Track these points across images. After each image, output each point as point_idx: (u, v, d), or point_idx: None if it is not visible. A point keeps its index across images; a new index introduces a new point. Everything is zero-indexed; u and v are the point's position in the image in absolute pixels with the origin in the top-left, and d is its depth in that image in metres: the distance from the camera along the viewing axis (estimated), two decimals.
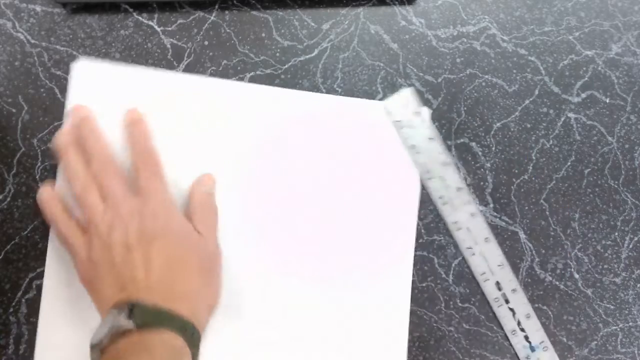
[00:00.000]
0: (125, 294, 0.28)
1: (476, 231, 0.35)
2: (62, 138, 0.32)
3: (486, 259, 0.35)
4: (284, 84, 0.36)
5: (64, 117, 0.34)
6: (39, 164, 0.34)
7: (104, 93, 0.34)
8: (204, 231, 0.32)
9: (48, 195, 0.33)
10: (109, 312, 0.28)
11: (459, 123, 0.37)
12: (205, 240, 0.32)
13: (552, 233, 0.37)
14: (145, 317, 0.27)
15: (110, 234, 0.30)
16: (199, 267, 0.31)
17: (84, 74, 0.34)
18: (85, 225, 0.31)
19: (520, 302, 0.35)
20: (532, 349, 0.35)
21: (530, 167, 0.38)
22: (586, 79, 0.38)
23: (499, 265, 0.35)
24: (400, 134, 0.36)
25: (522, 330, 0.35)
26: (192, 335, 0.28)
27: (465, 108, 0.37)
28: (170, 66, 0.36)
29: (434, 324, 0.36)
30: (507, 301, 0.35)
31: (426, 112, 0.36)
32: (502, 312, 0.35)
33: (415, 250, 0.36)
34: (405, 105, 0.36)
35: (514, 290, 0.35)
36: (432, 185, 0.35)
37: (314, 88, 0.36)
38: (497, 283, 0.35)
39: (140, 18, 0.36)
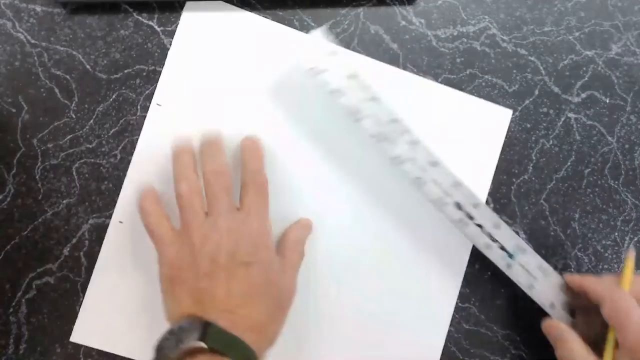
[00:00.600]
0: (201, 308, 0.28)
1: (421, 159, 0.32)
2: (181, 143, 0.33)
3: (438, 183, 0.33)
4: None
5: (164, 67, 0.35)
6: (39, 164, 0.34)
7: (207, 40, 0.36)
8: (288, 269, 0.32)
9: (148, 192, 0.33)
10: (179, 321, 0.28)
11: None
12: (286, 277, 0.32)
13: (552, 233, 0.37)
14: (220, 341, 0.27)
15: (204, 244, 0.30)
16: (274, 302, 0.31)
17: (190, 23, 0.35)
18: (178, 228, 0.31)
19: (486, 215, 0.33)
20: (511, 256, 0.33)
21: (530, 167, 0.38)
22: (586, 79, 0.38)
23: (454, 186, 0.33)
24: (318, 82, 0.32)
25: (495, 241, 0.33)
26: None
27: None
28: None
29: None
30: (471, 218, 0.33)
31: (318, 33, 0.32)
32: (471, 231, 0.33)
33: None
34: (316, 48, 0.32)
35: (475, 206, 0.33)
36: (364, 125, 0.32)
37: None
38: (457, 204, 0.33)
39: (140, 18, 0.36)
